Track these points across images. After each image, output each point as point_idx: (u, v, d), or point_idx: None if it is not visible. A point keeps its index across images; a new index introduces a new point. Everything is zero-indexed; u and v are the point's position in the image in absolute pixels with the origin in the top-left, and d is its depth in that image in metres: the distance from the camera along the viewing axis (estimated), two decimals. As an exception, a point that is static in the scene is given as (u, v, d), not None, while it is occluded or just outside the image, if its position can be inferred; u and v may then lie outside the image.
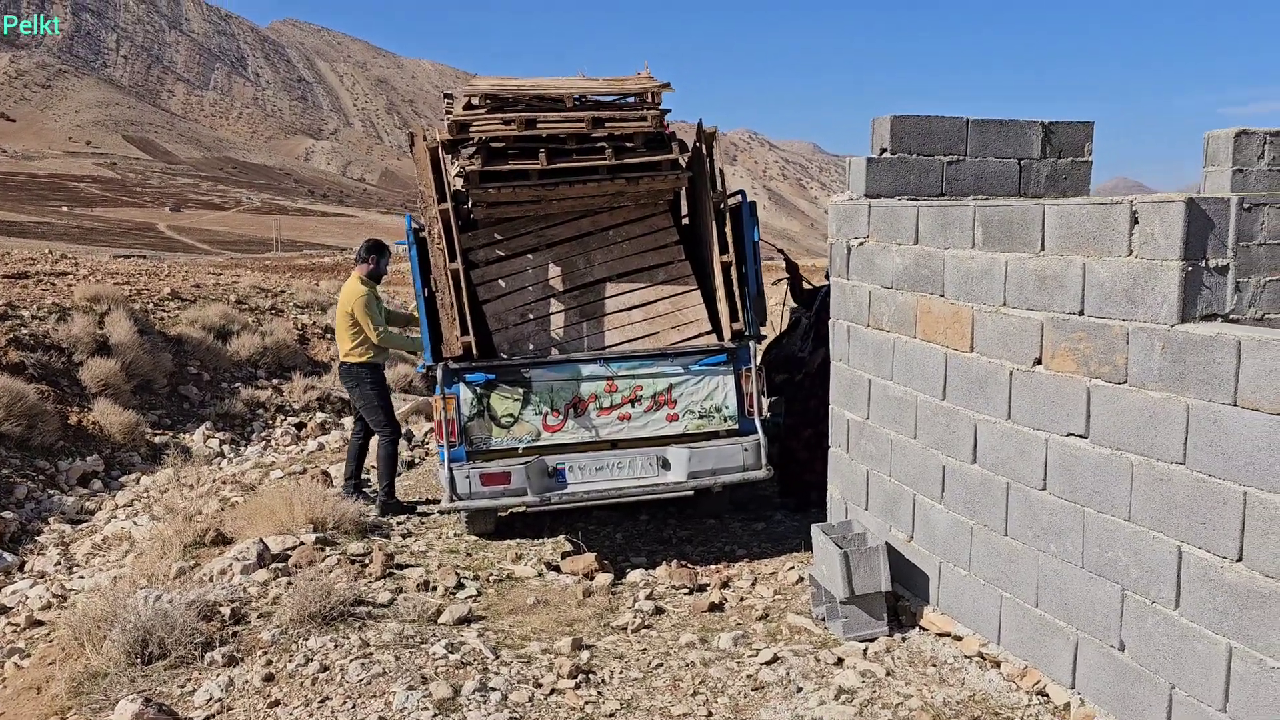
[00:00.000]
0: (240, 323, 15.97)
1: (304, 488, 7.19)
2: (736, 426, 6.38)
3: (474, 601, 5.74)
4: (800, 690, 4.47)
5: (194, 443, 12.18)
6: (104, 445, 11.20)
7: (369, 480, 8.46)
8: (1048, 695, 4.18)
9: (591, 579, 6.11)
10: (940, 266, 4.85)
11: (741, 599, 5.78)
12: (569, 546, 6.89)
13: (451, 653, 4.84)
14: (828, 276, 7.43)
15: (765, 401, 6.47)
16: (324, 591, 5.31)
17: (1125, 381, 3.74)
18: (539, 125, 6.11)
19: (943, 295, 4.84)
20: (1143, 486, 3.67)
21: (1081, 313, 3.94)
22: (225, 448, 12.35)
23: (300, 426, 13.92)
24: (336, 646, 4.89)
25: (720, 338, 6.43)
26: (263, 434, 13.46)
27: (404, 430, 11.21)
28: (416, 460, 10.09)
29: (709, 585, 6.00)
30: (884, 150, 5.70)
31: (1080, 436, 3.98)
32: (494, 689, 4.45)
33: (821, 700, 4.34)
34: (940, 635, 4.91)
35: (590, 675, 4.66)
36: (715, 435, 6.39)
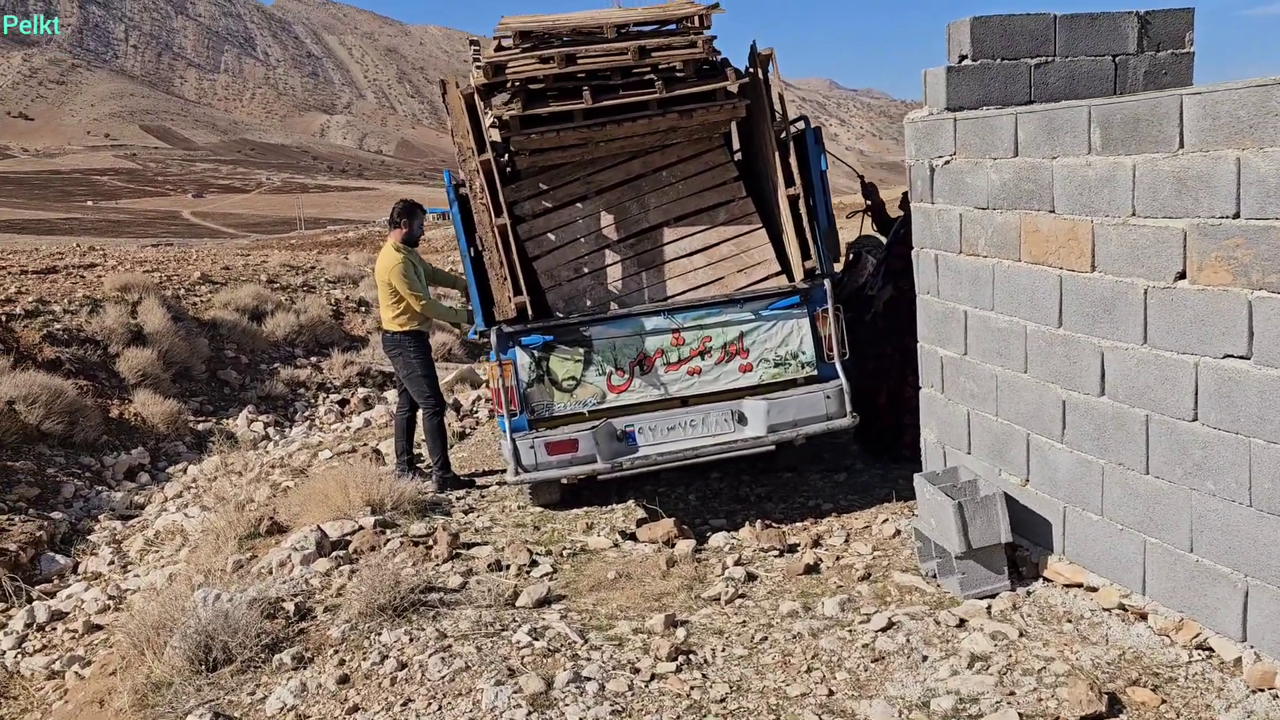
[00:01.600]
0: (273, 302, 15.68)
1: (358, 469, 6.83)
2: (815, 373, 5.91)
3: (551, 580, 5.35)
4: (926, 659, 4.04)
5: (238, 427, 11.90)
6: (148, 436, 10.95)
7: (421, 455, 8.09)
8: (1211, 649, 3.72)
9: (672, 546, 5.70)
10: (1048, 179, 4.32)
11: (838, 558, 5.35)
12: (642, 513, 6.50)
13: (536, 639, 4.46)
14: (902, 206, 6.92)
15: (846, 344, 5.96)
16: (392, 580, 4.94)
17: (1299, 291, 3.23)
18: (580, 60, 5.60)
19: (1052, 211, 4.32)
20: (1328, 410, 3.18)
21: (1237, 215, 3.42)
22: (270, 430, 12.07)
23: (343, 403, 13.61)
24: (412, 640, 4.52)
25: (791, 278, 5.93)
26: (306, 414, 13.18)
27: (450, 400, 10.86)
28: (467, 431, 9.71)
29: (800, 545, 5.58)
30: (964, 57, 5.15)
31: (1241, 358, 3.48)
32: (589, 678, 4.06)
33: (953, 670, 3.90)
34: (1069, 587, 4.46)
35: (691, 656, 4.26)
36: (793, 384, 5.93)
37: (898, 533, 5.59)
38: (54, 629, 6.62)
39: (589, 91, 5.59)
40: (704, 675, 4.09)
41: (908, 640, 4.21)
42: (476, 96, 5.72)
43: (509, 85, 5.74)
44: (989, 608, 4.42)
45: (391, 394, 14.10)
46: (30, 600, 7.04)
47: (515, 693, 3.95)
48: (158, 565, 7.62)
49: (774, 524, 5.95)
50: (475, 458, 8.64)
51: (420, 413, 7.52)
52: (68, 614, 6.83)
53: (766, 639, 4.41)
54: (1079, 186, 4.14)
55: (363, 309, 17.20)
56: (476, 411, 10.51)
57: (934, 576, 4.81)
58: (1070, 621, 4.19)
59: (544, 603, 4.99)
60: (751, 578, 5.18)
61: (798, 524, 6.00)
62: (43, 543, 8.00)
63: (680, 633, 4.51)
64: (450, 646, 4.44)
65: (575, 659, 4.28)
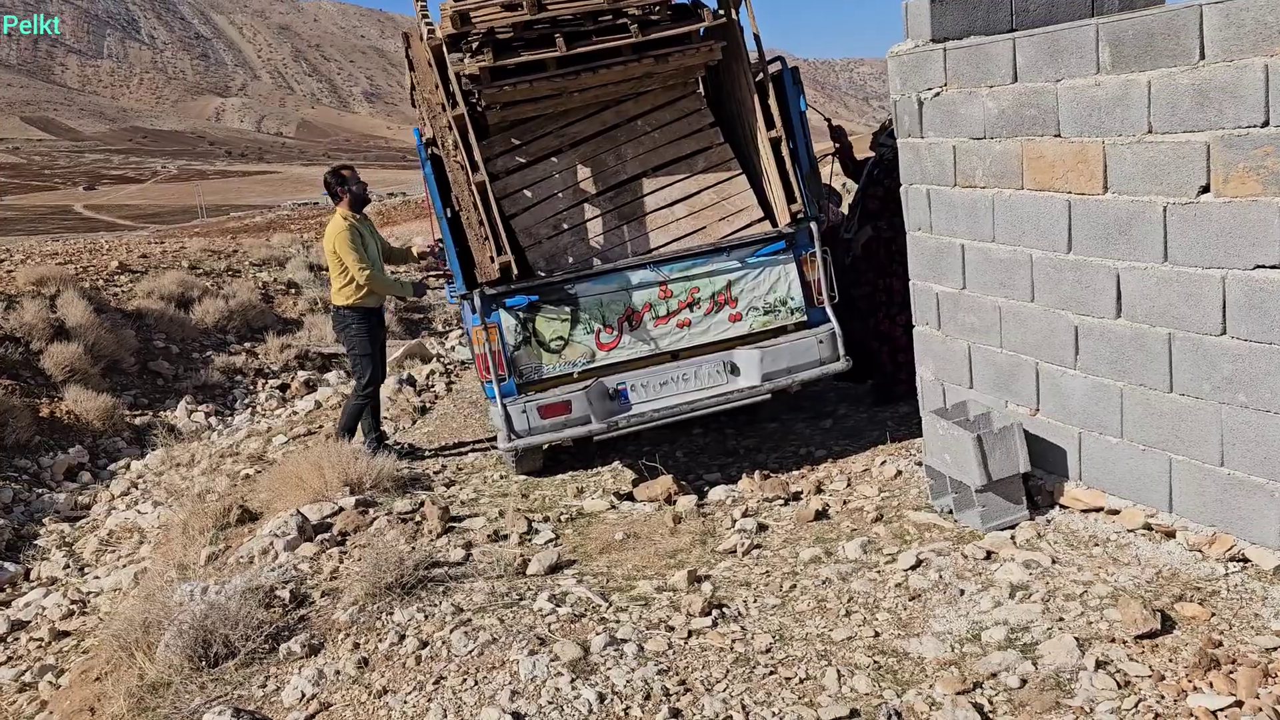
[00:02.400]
0: (199, 289, 15.03)
1: (333, 449, 6.54)
2: (805, 318, 5.83)
3: (556, 546, 5.20)
4: (964, 593, 4.00)
5: (178, 419, 11.41)
6: (84, 434, 10.40)
7: (385, 434, 7.82)
8: (1248, 560, 3.75)
9: (673, 503, 5.59)
10: (1052, 103, 4.26)
11: (845, 502, 5.30)
12: (630, 474, 6.37)
13: (559, 606, 4.30)
14: (872, 147, 6.86)
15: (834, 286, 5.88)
16: (396, 557, 4.73)
17: (1337, 194, 3.22)
18: (549, 7, 5.37)
19: (1058, 135, 4.27)
20: (1372, 312, 3.18)
21: (1266, 124, 3.39)
22: (212, 420, 11.60)
23: (284, 388, 13.16)
24: (428, 618, 4.33)
25: (774, 224, 5.82)
26: (246, 401, 12.70)
27: (404, 375, 10.56)
28: (427, 405, 9.45)
29: (803, 493, 5.52)
30: (945, -14, 5.05)
31: (1273, 267, 3.47)
32: (625, 640, 3.93)
33: (996, 601, 3.87)
34: (1088, 511, 4.46)
35: (724, 609, 4.15)
36: (783, 331, 5.83)
37: (899, 473, 5.56)
38: (16, 639, 6.23)
39: (562, 39, 5.36)
40: (742, 628, 3.99)
41: (940, 576, 4.17)
42: (446, 48, 5.44)
43: (474, 35, 5.48)
44: (1013, 538, 4.40)
45: (333, 375, 13.70)
46: (-15, 611, 6.62)
47: (552, 661, 3.80)
48: (118, 565, 7.25)
49: (772, 474, 5.88)
50: (441, 431, 8.40)
51: (357, 383, 7.27)
52: (29, 623, 6.44)
53: (795, 587, 4.32)
54: (1087, 107, 4.08)
55: (292, 290, 16.63)
56: (433, 386, 10.24)
57: (950, 512, 4.78)
58: (1098, 545, 4.19)
59: (556, 569, 4.84)
60: (763, 528, 5.10)
61: (794, 472, 5.93)
62: (-12, 551, 7.54)
63: (706, 587, 4.40)
64: (470, 620, 4.26)
65: (604, 622, 4.14)
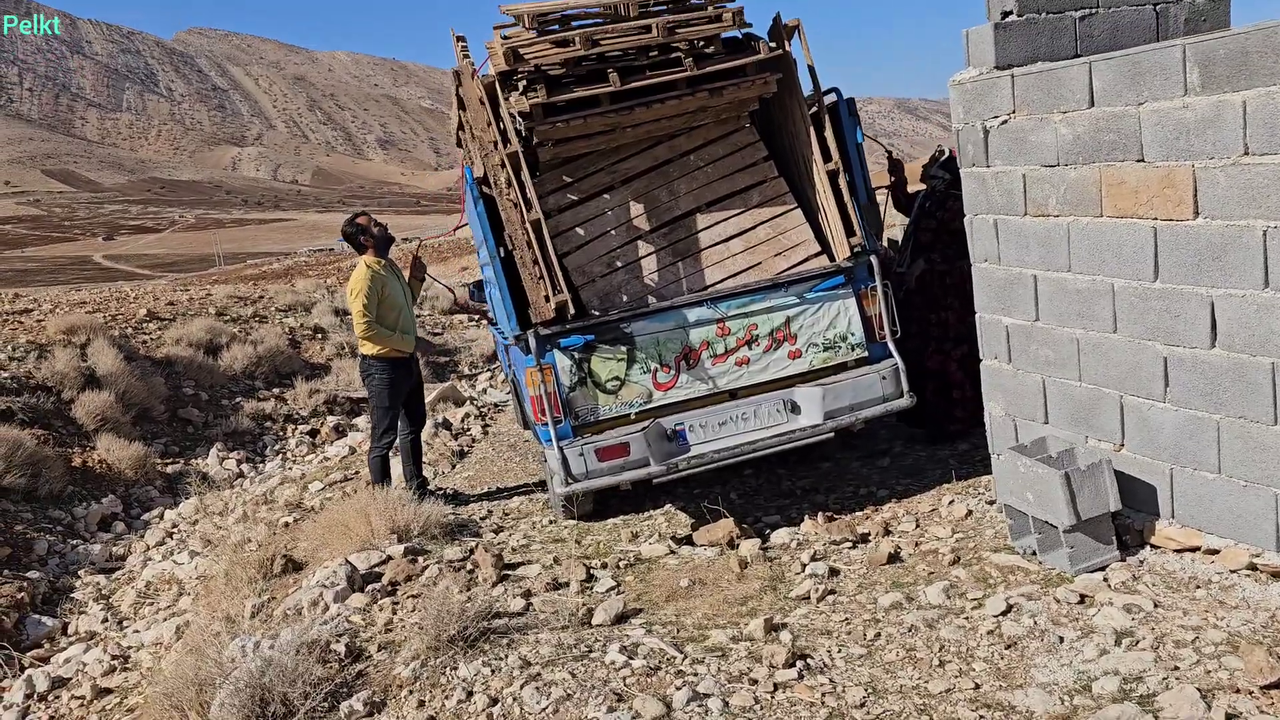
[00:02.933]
0: (227, 335, 14.99)
1: (379, 496, 6.39)
2: (866, 354, 5.66)
3: (619, 594, 5.01)
4: (1063, 640, 3.79)
5: (209, 467, 11.28)
6: (116, 484, 10.29)
7: (426, 479, 7.66)
8: (1371, 602, 3.53)
9: (735, 547, 5.40)
10: (1134, 127, 4.12)
11: (917, 544, 5.10)
12: (684, 517, 6.19)
13: (631, 658, 4.11)
14: (923, 179, 6.72)
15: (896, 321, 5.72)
16: (456, 609, 4.55)
17: None
18: (603, 43, 5.28)
19: (1141, 160, 4.12)
20: None
21: (1380, 141, 3.24)
22: (244, 467, 11.47)
23: (314, 434, 13.07)
24: (494, 672, 4.14)
25: (831, 257, 5.68)
26: (277, 447, 12.59)
27: (440, 420, 10.42)
28: (465, 449, 9.30)
29: (871, 534, 5.32)
30: (1007, 13, 4.95)
31: (1391, 291, 3.30)
32: (708, 694, 3.73)
33: (1101, 649, 3.66)
34: (1182, 551, 4.25)
35: (808, 660, 3.95)
36: (843, 367, 5.67)
37: (969, 513, 5.36)
38: (57, 697, 6.06)
39: (615, 74, 5.27)
40: (830, 680, 3.79)
41: (1034, 622, 3.97)
42: (499, 85, 5.34)
43: (521, 73, 5.40)
44: (1106, 580, 4.20)
45: (363, 420, 13.58)
46: (24, 668, 6.46)
47: (634, 718, 3.61)
48: (158, 618, 7.08)
49: (835, 515, 5.69)
50: (482, 475, 8.26)
51: (373, 435, 7.11)
52: (70, 679, 6.26)
53: (880, 635, 4.12)
54: (1176, 130, 3.94)
55: (319, 336, 16.58)
56: (469, 429, 10.09)
57: (1034, 553, 4.58)
58: (1200, 587, 3.98)
59: (623, 618, 4.65)
60: (834, 572, 4.90)
61: (858, 513, 5.74)
62: (25, 605, 7.38)
63: (785, 636, 4.20)
64: (539, 675, 4.07)
65: (681, 675, 3.95)
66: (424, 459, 8.16)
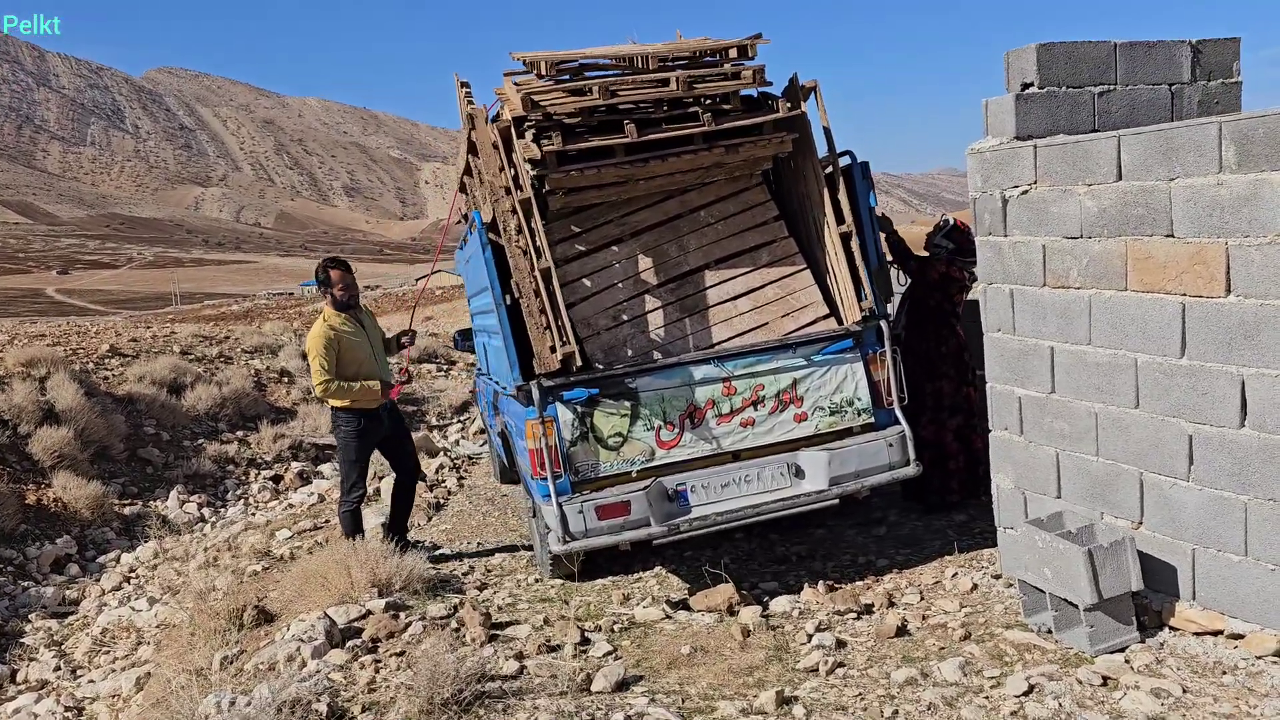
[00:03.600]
0: (192, 374, 14.64)
1: (360, 547, 6.14)
2: (873, 420, 5.57)
3: (616, 659, 4.80)
4: (1092, 724, 3.65)
5: (169, 510, 10.90)
6: (71, 523, 9.88)
7: (407, 529, 7.40)
8: None
9: (735, 614, 5.23)
10: (1164, 202, 4.10)
11: (924, 617, 4.95)
12: (677, 580, 6.01)
13: (639, 729, 3.91)
14: (928, 246, 6.70)
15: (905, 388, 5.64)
16: (451, 670, 4.32)
17: None
18: (620, 94, 5.22)
19: (1170, 235, 4.10)
20: None
21: None
22: (205, 511, 11.10)
23: (277, 479, 12.71)
24: (492, 740, 3.92)
25: (840, 320, 5.60)
26: (239, 492, 12.21)
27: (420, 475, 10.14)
28: (441, 501, 9.04)
29: (875, 605, 5.17)
30: (1027, 85, 4.97)
31: None
32: (724, 772, 3.53)
33: (1133, 735, 3.53)
34: (1203, 634, 4.16)
35: (826, 737, 3.77)
36: (848, 433, 5.57)
37: (975, 587, 5.24)
38: (4, 751, 5.69)
39: (633, 125, 5.20)
40: (851, 759, 3.62)
41: (1059, 704, 3.82)
42: (514, 130, 5.25)
43: (533, 121, 5.32)
44: (1128, 662, 4.08)
45: (328, 468, 13.24)
46: (-32, 718, 6.07)
47: (648, 795, 3.40)
48: (115, 668, 6.72)
49: (836, 584, 5.54)
50: (461, 529, 8.01)
51: (342, 488, 6.82)
52: (18, 732, 5.89)
53: (897, 713, 3.95)
54: (1208, 207, 3.92)
55: (285, 379, 16.25)
56: (444, 481, 9.84)
57: (1050, 631, 4.45)
58: (1227, 673, 3.87)
59: (623, 685, 4.44)
60: (841, 644, 4.73)
61: (859, 583, 5.60)
62: (-30, 649, 6.99)
63: (798, 711, 4.02)
64: (541, 744, 3.85)
65: (693, 749, 3.75)
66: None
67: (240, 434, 13.74)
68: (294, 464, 13.18)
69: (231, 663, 5.55)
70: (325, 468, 13.20)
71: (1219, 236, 3.91)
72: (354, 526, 6.78)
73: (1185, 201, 4.03)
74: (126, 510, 10.68)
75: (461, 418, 14.93)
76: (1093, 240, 4.48)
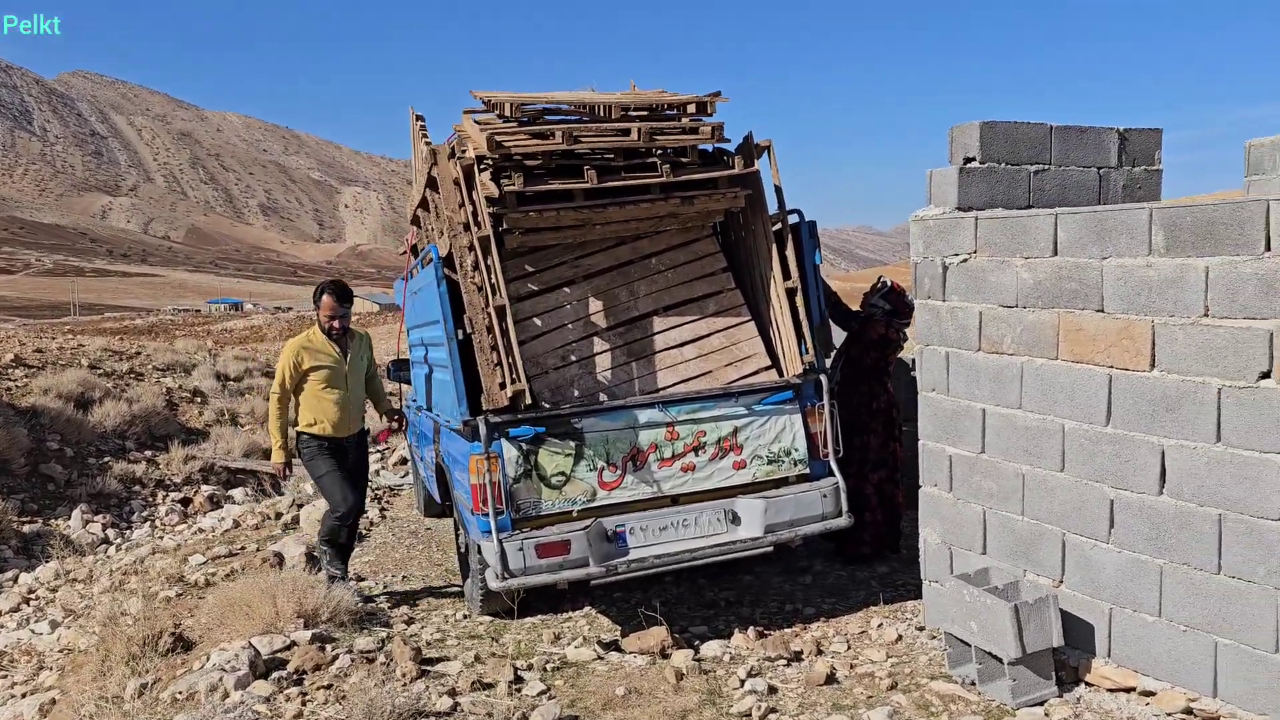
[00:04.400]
0: (101, 389, 14.19)
1: (288, 576, 6.04)
2: (808, 471, 5.72)
3: (550, 698, 4.81)
4: (1017, 774, 3.81)
5: (71, 529, 10.52)
6: (-34, 539, 9.45)
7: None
8: (1307, 753, 3.67)
9: (667, 656, 5.28)
10: (1096, 279, 4.37)
11: (852, 666, 5.09)
12: (606, 620, 6.04)
13: (577, 769, 3.93)
14: (865, 305, 6.92)
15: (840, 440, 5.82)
16: (385, 705, 4.29)
17: None
18: (583, 140, 5.34)
19: (1101, 310, 4.36)
20: None
21: (1337, 318, 3.51)
22: (109, 532, 10.73)
23: (186, 502, 12.38)
24: (430, 776, 3.89)
25: (781, 373, 5.77)
26: (145, 514, 11.85)
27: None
28: (364, 533, 8.89)
29: (804, 653, 5.29)
30: (970, 159, 5.24)
31: (1340, 457, 3.53)
32: (665, 813, 3.58)
33: (1057, 785, 3.68)
34: (1118, 691, 4.37)
35: (763, 781, 3.85)
36: (784, 482, 5.71)
37: (900, 638, 5.40)
38: (-107, 777, 5.40)
39: (594, 171, 5.32)
40: (788, 803, 3.70)
41: (985, 754, 3.97)
42: (477, 169, 5.31)
43: (492, 160, 5.40)
44: (1047, 715, 4.27)
45: (240, 492, 12.95)
46: None
47: (591, 835, 3.42)
48: (14, 694, 6.44)
49: (765, 631, 5.64)
50: (384, 562, 7.90)
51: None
52: (-92, 757, 5.60)
53: (830, 758, 4.06)
54: (1137, 287, 4.19)
55: (199, 399, 15.85)
56: (366, 513, 9.68)
57: (973, 683, 4.62)
58: (1140, 728, 4.07)
59: (559, 726, 4.46)
60: (773, 690, 4.83)
61: (788, 630, 5.71)
62: None
63: (735, 755, 4.09)
64: (480, 782, 3.84)
65: (632, 790, 3.78)
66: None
67: (149, 453, 13.35)
68: (204, 487, 12.86)
69: (149, 690, 5.39)
70: (237, 493, 12.90)
71: (1146, 314, 4.17)
72: (327, 538, 6.54)
73: (1116, 280, 4.29)
74: (25, 528, 10.27)
75: (380, 447, 14.72)
76: (1027, 310, 4.73)
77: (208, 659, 5.50)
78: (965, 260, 5.07)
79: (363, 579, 7.22)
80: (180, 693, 5.17)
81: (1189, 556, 4.08)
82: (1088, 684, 4.49)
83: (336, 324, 6.31)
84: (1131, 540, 4.31)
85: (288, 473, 6.70)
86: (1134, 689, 4.32)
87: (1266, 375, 3.75)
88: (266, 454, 14.66)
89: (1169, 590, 4.17)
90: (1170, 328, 4.08)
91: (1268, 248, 3.72)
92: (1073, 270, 4.49)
